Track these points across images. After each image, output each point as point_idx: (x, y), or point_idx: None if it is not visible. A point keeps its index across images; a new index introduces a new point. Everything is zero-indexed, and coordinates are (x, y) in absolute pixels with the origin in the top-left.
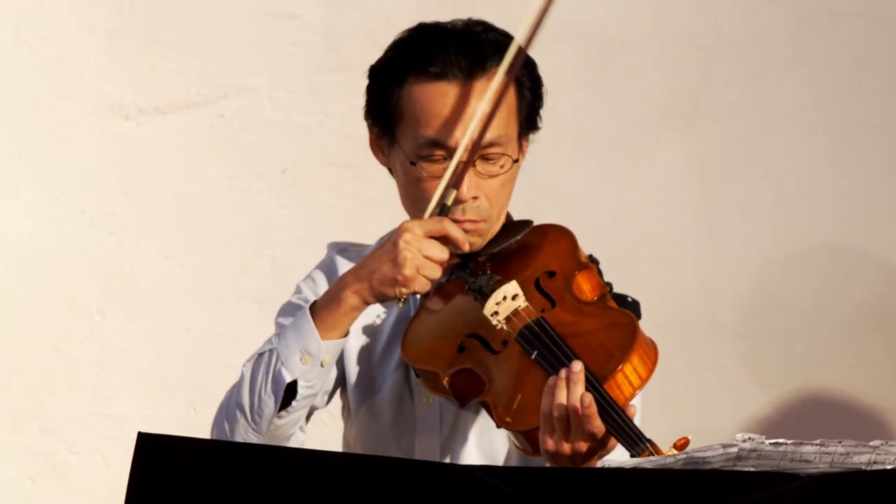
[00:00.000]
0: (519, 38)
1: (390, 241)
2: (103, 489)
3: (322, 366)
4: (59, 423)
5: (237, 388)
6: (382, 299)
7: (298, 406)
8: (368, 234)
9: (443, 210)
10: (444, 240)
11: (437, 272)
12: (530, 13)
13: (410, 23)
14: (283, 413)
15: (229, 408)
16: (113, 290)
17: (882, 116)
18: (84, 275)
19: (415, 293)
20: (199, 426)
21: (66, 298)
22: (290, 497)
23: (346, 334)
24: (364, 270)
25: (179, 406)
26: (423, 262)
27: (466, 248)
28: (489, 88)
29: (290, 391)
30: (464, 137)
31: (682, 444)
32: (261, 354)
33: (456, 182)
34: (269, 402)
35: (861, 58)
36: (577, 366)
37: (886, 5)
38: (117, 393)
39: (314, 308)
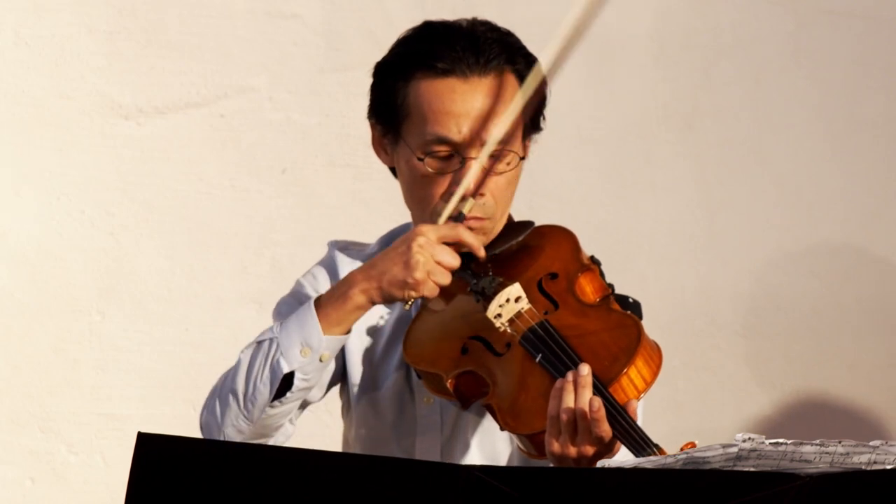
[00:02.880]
0: (546, 58)
1: (403, 244)
2: (103, 489)
3: (321, 360)
4: (59, 423)
5: (232, 373)
6: (390, 300)
7: (292, 398)
8: (368, 234)
9: (458, 218)
10: (458, 247)
11: (447, 278)
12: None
13: (410, 23)
14: (276, 403)
15: (222, 392)
16: (113, 290)
17: (882, 116)
18: (84, 275)
19: (423, 297)
20: (199, 426)
21: (66, 298)
22: (289, 497)
23: (349, 332)
24: (374, 270)
25: (179, 406)
26: (435, 267)
27: (482, 253)
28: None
29: (286, 382)
30: (486, 144)
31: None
32: (260, 342)
33: (474, 192)
34: (264, 391)
35: (861, 58)
36: (585, 369)
37: (886, 5)
38: (117, 393)
39: (319, 302)
